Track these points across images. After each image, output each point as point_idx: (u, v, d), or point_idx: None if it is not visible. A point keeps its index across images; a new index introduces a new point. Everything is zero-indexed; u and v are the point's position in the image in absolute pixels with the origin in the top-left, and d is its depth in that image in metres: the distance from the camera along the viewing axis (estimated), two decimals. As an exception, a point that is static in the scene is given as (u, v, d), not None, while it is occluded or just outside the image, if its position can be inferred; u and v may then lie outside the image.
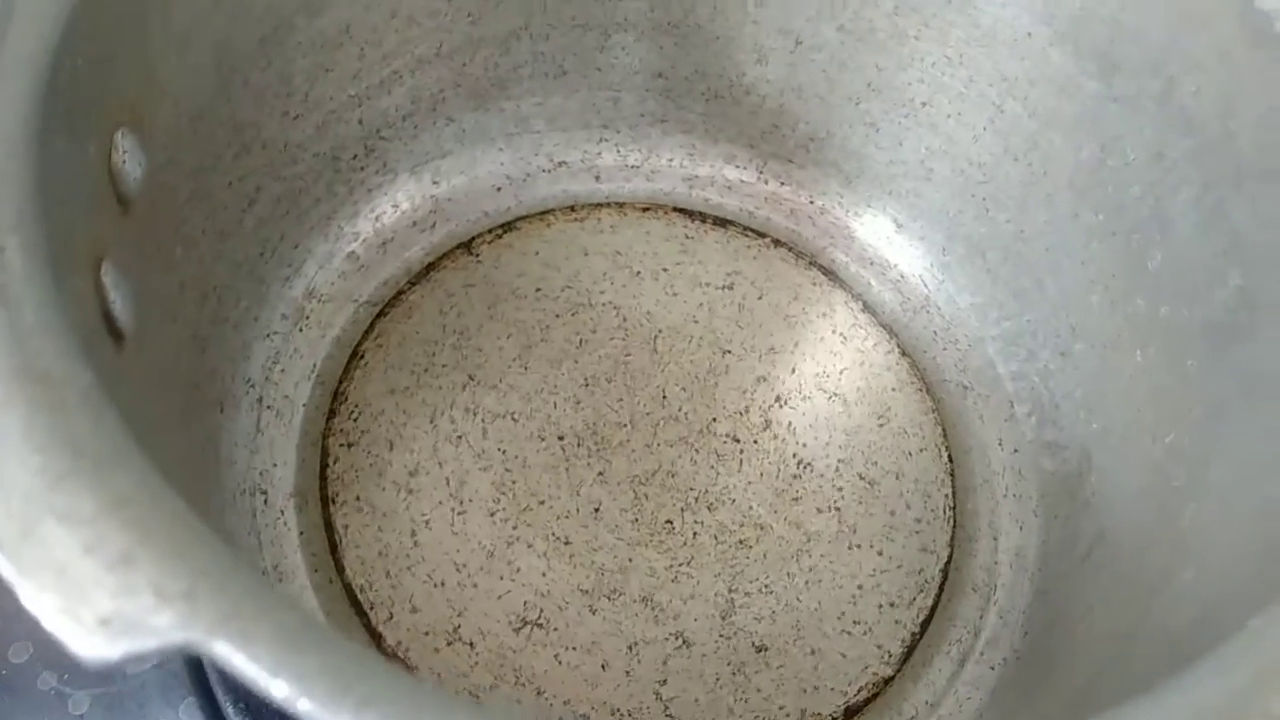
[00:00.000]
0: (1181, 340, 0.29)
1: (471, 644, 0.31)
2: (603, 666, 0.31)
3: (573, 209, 0.40)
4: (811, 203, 0.41)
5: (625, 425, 0.36)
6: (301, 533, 0.32)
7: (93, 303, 0.21)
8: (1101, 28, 0.30)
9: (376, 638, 0.31)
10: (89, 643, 0.14)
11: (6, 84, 0.19)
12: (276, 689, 0.14)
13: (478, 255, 0.38)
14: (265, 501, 0.33)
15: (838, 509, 0.35)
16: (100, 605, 0.14)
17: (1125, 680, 0.23)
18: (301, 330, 0.35)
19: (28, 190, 0.18)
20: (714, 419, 0.36)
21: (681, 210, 0.41)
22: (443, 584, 0.32)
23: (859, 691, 0.32)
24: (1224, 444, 0.26)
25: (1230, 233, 0.27)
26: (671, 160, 0.41)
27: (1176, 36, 0.28)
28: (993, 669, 0.33)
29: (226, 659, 0.14)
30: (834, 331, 0.39)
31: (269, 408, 0.34)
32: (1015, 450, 0.36)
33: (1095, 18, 0.30)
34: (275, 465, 0.33)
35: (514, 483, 0.34)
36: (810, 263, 0.40)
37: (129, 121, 0.24)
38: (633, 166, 0.41)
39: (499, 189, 0.40)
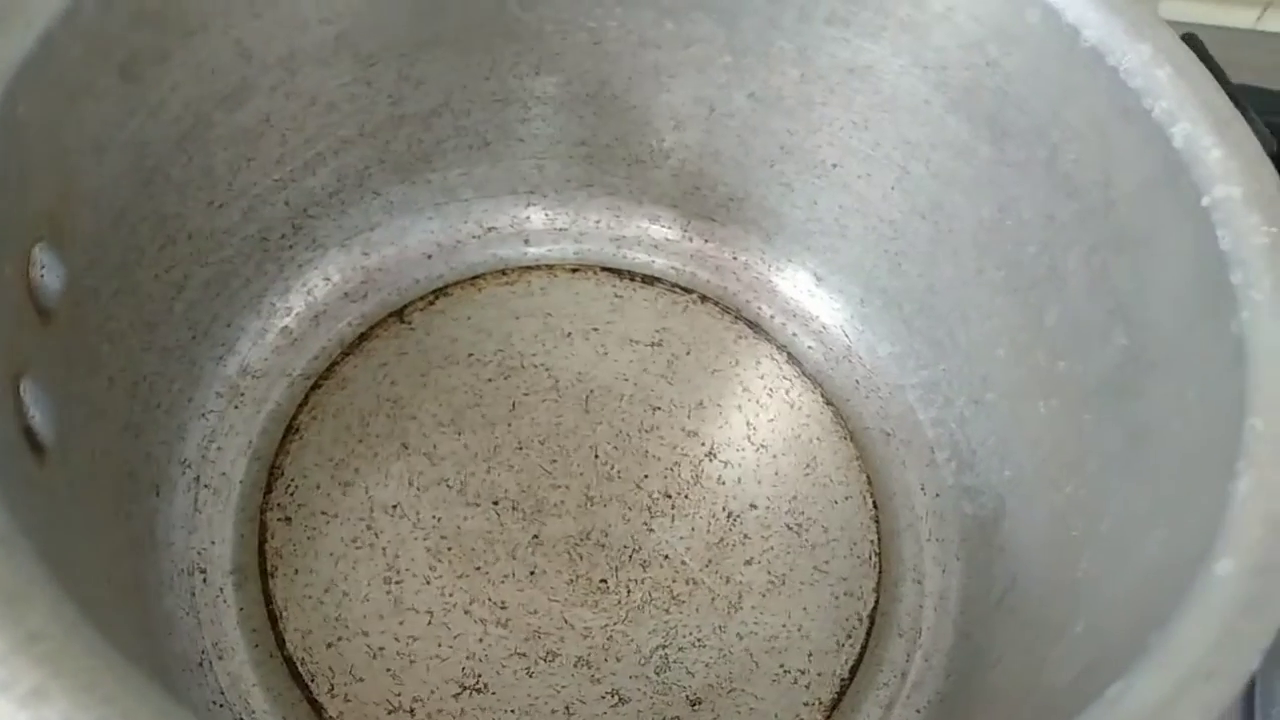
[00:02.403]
0: (1078, 394, 0.30)
1: (412, 711, 0.32)
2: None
3: (503, 273, 0.41)
4: (735, 258, 0.42)
5: (559, 487, 0.36)
6: (241, 609, 0.33)
7: (12, 422, 0.21)
8: (990, 96, 0.31)
9: (318, 709, 0.32)
10: (2, 780, 0.15)
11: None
12: (182, 817, 0.15)
13: (410, 323, 0.39)
14: (204, 580, 0.33)
15: (767, 560, 0.36)
16: (12, 742, 0.15)
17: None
18: (237, 407, 0.36)
19: (-60, 327, 0.19)
20: (645, 475, 0.37)
21: (610, 270, 0.42)
22: (382, 653, 0.33)
23: (790, 739, 0.33)
24: (1113, 497, 0.28)
25: (1115, 294, 0.29)
26: (598, 222, 0.42)
27: (1056, 108, 0.29)
28: (918, 712, 0.34)
29: (136, 793, 0.15)
30: (760, 383, 0.40)
31: (206, 486, 0.35)
32: (937, 495, 0.38)
33: (983, 87, 0.31)
34: (214, 543, 0.34)
35: (449, 549, 0.35)
36: (736, 316, 0.41)
37: (47, 235, 0.24)
38: (560, 229, 0.42)
39: (429, 256, 0.41)
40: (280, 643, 0.33)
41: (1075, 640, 0.25)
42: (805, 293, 0.41)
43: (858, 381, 0.40)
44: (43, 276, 0.24)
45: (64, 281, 0.25)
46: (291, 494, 0.35)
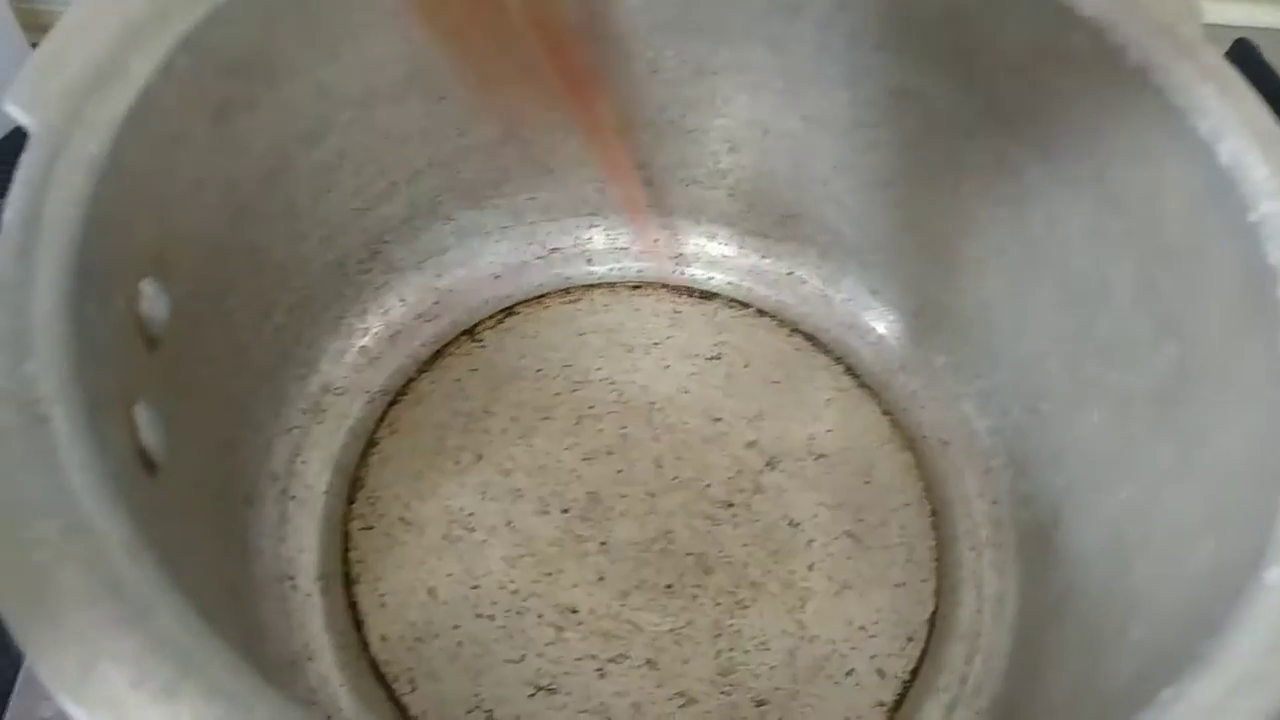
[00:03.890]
0: (1128, 404, 0.31)
1: (490, 711, 0.34)
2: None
3: (567, 291, 0.43)
4: (790, 274, 0.43)
5: (625, 495, 0.38)
6: (328, 613, 0.35)
7: (128, 445, 0.23)
8: (1037, 118, 0.32)
9: (401, 709, 0.34)
10: (139, 767, 0.17)
11: (44, 268, 0.22)
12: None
13: (481, 341, 0.41)
14: (293, 586, 0.35)
15: (828, 565, 0.37)
16: (148, 734, 0.17)
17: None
18: (320, 423, 0.38)
19: (68, 360, 0.21)
20: (708, 485, 0.38)
21: (669, 287, 0.43)
22: (460, 654, 0.34)
23: (851, 741, 0.34)
24: (1165, 505, 0.28)
25: (1164, 306, 0.29)
26: (657, 241, 0.44)
27: (1103, 127, 0.30)
28: (978, 714, 0.35)
29: (257, 778, 0.17)
30: (818, 394, 0.41)
31: (293, 498, 0.37)
32: (994, 502, 0.39)
33: (1031, 109, 0.32)
34: (301, 551, 0.36)
35: (522, 556, 0.36)
36: (793, 330, 0.43)
37: (153, 270, 0.26)
38: (622, 248, 0.44)
39: (497, 277, 0.42)
40: (365, 645, 0.35)
41: (1130, 646, 0.26)
42: (861, 306, 0.42)
43: (914, 392, 0.41)
44: (150, 308, 0.26)
45: (168, 312, 0.27)
46: (372, 504, 0.37)
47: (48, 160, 0.23)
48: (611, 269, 0.43)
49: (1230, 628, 0.21)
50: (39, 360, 0.21)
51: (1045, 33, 0.30)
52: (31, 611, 0.18)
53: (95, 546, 0.19)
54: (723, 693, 0.35)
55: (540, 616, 0.35)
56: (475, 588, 0.36)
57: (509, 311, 0.42)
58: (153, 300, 0.26)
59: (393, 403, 0.39)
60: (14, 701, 0.33)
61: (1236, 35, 0.51)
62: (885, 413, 0.41)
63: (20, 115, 0.24)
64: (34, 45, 0.49)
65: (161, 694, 0.17)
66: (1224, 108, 0.27)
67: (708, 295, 0.43)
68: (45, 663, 0.17)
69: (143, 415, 0.25)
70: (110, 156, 0.24)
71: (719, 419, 0.40)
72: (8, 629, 0.18)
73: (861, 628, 0.36)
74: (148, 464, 0.25)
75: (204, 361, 0.31)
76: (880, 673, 0.35)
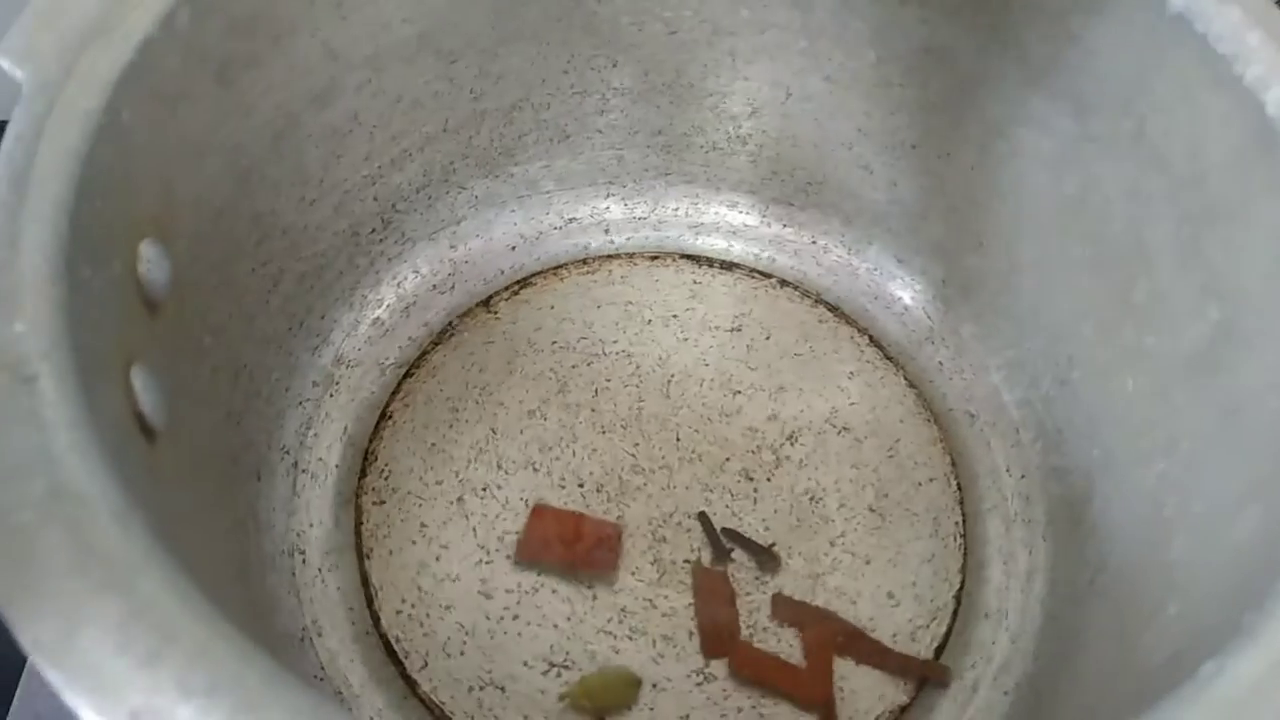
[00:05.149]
0: (1168, 371, 0.30)
1: (503, 688, 0.33)
2: (629, 705, 0.33)
3: (584, 262, 0.42)
4: (814, 243, 0.42)
5: (642, 470, 0.37)
6: (338, 588, 0.34)
7: (124, 407, 0.23)
8: (1072, 71, 0.31)
9: (412, 685, 0.33)
10: (121, 734, 0.16)
11: (33, 223, 0.21)
12: (287, 774, 0.16)
13: (496, 312, 0.40)
14: (304, 560, 0.35)
15: (850, 541, 0.36)
16: (131, 700, 0.16)
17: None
18: (332, 395, 0.38)
19: (57, 318, 0.20)
20: (727, 458, 0.37)
21: (689, 257, 0.42)
22: (473, 631, 0.34)
23: (876, 719, 0.33)
24: (1206, 475, 0.27)
25: (1206, 267, 0.28)
26: (677, 210, 0.43)
27: (1142, 79, 0.29)
28: (1005, 694, 0.33)
29: (243, 747, 0.16)
30: (841, 367, 0.40)
31: (304, 471, 0.36)
32: (1023, 475, 0.37)
33: (1065, 61, 0.31)
34: (312, 525, 0.35)
35: (537, 531, 0.36)
36: (816, 301, 0.41)
37: (152, 233, 0.26)
38: (640, 218, 0.43)
39: (513, 248, 0.42)
40: (375, 620, 0.34)
41: (1168, 622, 0.25)
42: (886, 275, 0.41)
43: (941, 363, 0.40)
44: (149, 271, 0.25)
45: (169, 276, 0.26)
46: (385, 478, 0.36)
47: (41, 115, 0.23)
48: (629, 239, 0.42)
49: (1275, 600, 0.20)
50: (26, 320, 0.20)
51: (1080, -20, 0.29)
52: (11, 575, 0.17)
53: (80, 510, 0.18)
54: (742, 670, 0.34)
55: (555, 592, 0.34)
56: (489, 563, 0.35)
57: (524, 283, 0.41)
58: (153, 263, 0.26)
59: (406, 375, 0.39)
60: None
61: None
62: (911, 385, 0.40)
63: (12, 67, 0.23)
64: None
65: (145, 660, 0.17)
66: (1272, 55, 0.26)
67: (728, 265, 0.42)
68: (25, 628, 0.17)
69: (140, 380, 0.24)
70: (106, 112, 0.24)
71: (739, 391, 0.39)
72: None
73: (885, 603, 0.35)
74: (146, 430, 0.24)
75: (208, 330, 0.30)
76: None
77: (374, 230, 0.38)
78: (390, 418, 0.38)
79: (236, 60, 0.29)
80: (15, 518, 0.17)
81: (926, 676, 0.34)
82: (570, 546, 0.35)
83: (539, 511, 0.35)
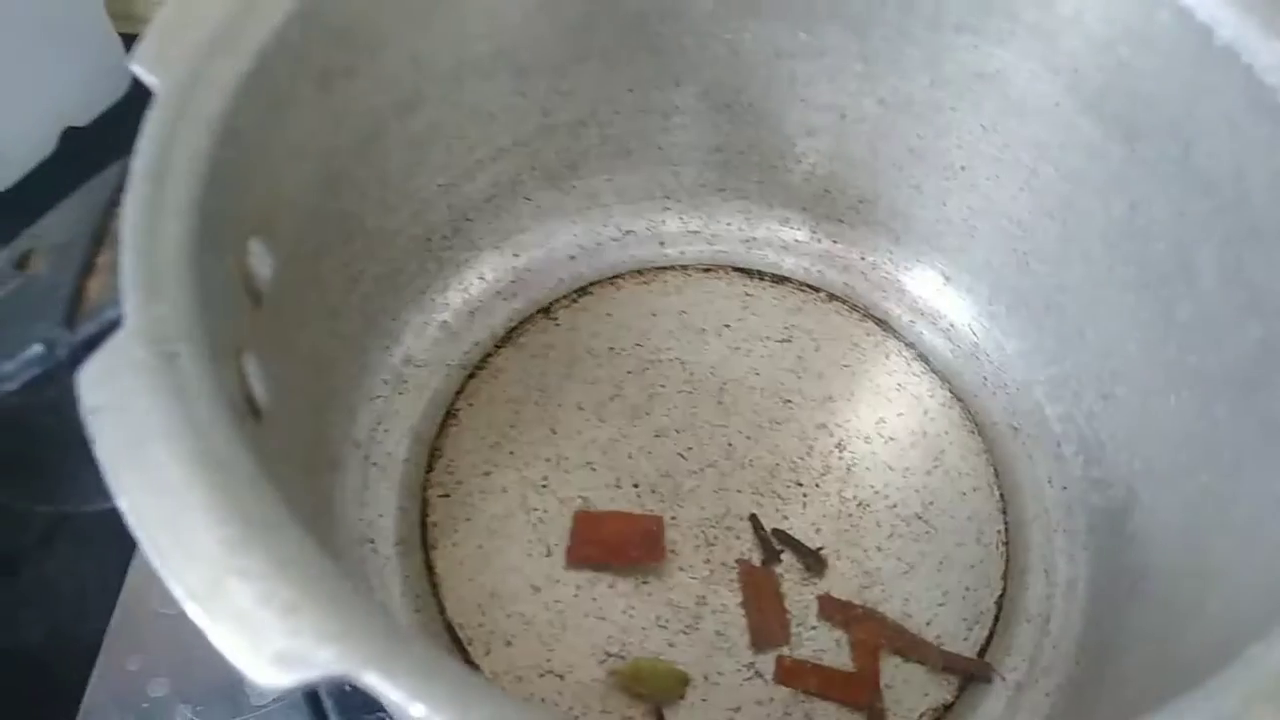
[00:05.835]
0: (1211, 387, 0.31)
1: (561, 676, 0.34)
2: (681, 696, 0.34)
3: (640, 273, 0.44)
4: (863, 259, 0.44)
5: (695, 473, 0.39)
6: (406, 577, 0.36)
7: (239, 390, 0.24)
8: (1122, 97, 0.32)
9: (476, 671, 0.34)
10: (266, 674, 0.18)
11: (169, 219, 0.23)
12: (415, 710, 0.17)
13: (556, 319, 0.42)
14: (373, 550, 0.36)
15: (895, 547, 0.37)
16: (274, 645, 0.18)
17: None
18: (401, 393, 0.39)
19: (192, 304, 0.22)
20: (777, 464, 0.39)
21: (741, 270, 0.44)
22: (533, 621, 0.35)
23: (920, 718, 0.34)
24: (1248, 485, 0.28)
25: (1249, 287, 0.29)
26: (730, 224, 0.44)
27: (1189, 106, 0.30)
28: (1047, 695, 0.35)
29: (374, 687, 0.18)
30: (889, 379, 0.41)
31: (374, 464, 0.38)
32: (1064, 487, 0.39)
33: (1115, 88, 0.32)
34: (381, 516, 0.37)
35: (595, 527, 0.37)
36: (864, 315, 0.43)
37: (260, 229, 0.28)
38: (694, 232, 0.44)
39: (573, 257, 0.43)
40: (441, 608, 0.35)
41: (1209, 619, 0.26)
42: (933, 291, 0.43)
43: (985, 378, 0.41)
44: (256, 265, 0.27)
45: (271, 269, 0.28)
46: (450, 473, 0.38)
47: (172, 118, 0.25)
48: (684, 251, 0.44)
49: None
50: (169, 303, 0.22)
51: (1131, 11, 0.30)
52: (163, 528, 0.19)
53: (222, 474, 0.20)
54: (791, 667, 0.35)
55: (611, 586, 0.36)
56: (548, 556, 0.36)
57: (584, 291, 0.43)
58: (259, 258, 0.28)
59: (471, 376, 0.40)
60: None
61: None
62: (956, 398, 0.41)
63: (146, 75, 0.25)
64: (122, 34, 0.50)
65: (286, 610, 0.18)
66: (1316, 86, 0.27)
67: (779, 279, 0.44)
68: (175, 577, 0.18)
69: (250, 364, 0.26)
70: (227, 117, 0.26)
71: (789, 401, 0.41)
72: (140, 548, 0.19)
73: (928, 608, 0.36)
74: (255, 411, 0.26)
75: (299, 323, 0.32)
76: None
77: (445, 237, 0.40)
78: (455, 416, 0.39)
79: (335, 69, 0.31)
80: (166, 475, 0.19)
81: (971, 672, 0.35)
82: (613, 549, 0.36)
83: (580, 518, 0.37)
